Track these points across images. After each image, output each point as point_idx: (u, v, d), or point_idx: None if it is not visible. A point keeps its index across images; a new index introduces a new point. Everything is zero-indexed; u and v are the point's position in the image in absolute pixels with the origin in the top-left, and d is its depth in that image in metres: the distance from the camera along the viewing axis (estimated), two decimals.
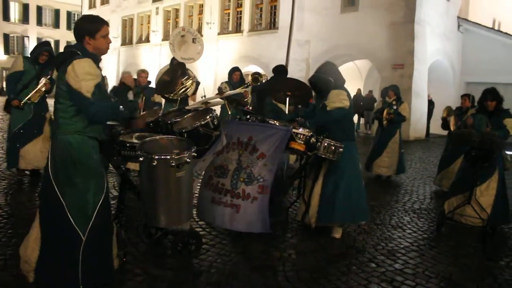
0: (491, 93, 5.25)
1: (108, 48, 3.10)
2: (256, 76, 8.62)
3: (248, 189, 3.93)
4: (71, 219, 2.89)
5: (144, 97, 6.28)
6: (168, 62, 8.00)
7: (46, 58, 5.99)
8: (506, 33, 17.72)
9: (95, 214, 2.96)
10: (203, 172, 4.27)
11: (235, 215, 3.93)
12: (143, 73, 7.13)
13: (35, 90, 5.86)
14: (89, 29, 2.96)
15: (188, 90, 6.69)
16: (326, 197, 4.44)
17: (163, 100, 7.12)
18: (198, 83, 7.44)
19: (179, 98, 5.98)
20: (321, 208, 4.46)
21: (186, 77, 6.64)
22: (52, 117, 3.77)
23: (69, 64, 2.85)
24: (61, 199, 2.89)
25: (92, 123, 2.99)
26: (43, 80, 5.84)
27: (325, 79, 4.47)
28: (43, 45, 6.38)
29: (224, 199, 4.01)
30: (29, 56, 6.11)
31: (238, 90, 5.76)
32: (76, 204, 2.92)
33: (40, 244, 2.96)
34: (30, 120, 6.04)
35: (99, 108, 2.91)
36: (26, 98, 5.84)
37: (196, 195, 4.48)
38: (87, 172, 2.97)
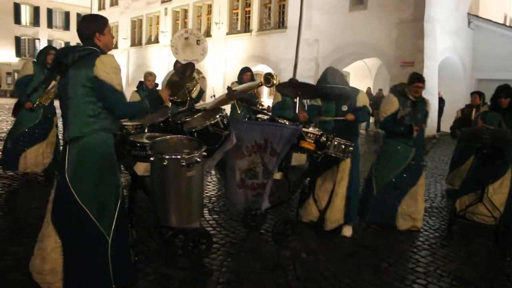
0: (505, 90, 5.18)
1: (113, 44, 3.12)
2: (268, 77, 8.59)
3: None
4: (96, 222, 2.85)
5: None
6: None
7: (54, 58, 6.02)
8: None
9: (116, 212, 2.96)
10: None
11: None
12: (150, 76, 7.15)
13: (46, 93, 5.92)
14: (98, 25, 2.97)
15: (191, 93, 6.68)
16: (354, 196, 4.64)
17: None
18: (202, 92, 7.40)
19: (188, 99, 5.98)
20: (350, 207, 4.57)
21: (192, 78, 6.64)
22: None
23: (92, 59, 2.82)
24: (82, 204, 2.83)
25: (119, 117, 3.03)
26: (53, 83, 5.88)
27: (342, 89, 4.56)
28: (47, 47, 6.42)
29: (259, 190, 4.28)
30: (36, 60, 6.15)
31: (250, 84, 5.68)
32: (99, 206, 2.88)
33: (63, 252, 2.87)
34: (38, 123, 6.07)
35: (129, 103, 3.02)
36: (38, 101, 5.90)
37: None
38: (111, 171, 2.98)
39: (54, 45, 33.66)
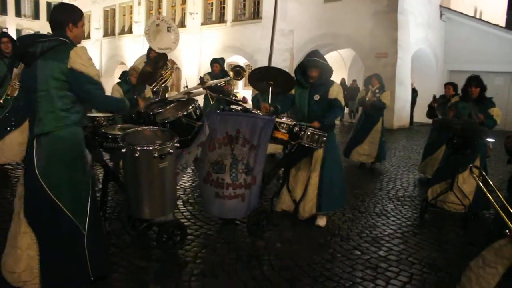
0: (475, 80, 5.30)
1: (83, 37, 3.06)
2: (237, 69, 8.58)
3: (248, 179, 4.15)
4: (70, 216, 2.82)
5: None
6: None
7: (10, 45, 5.85)
8: (487, 22, 17.90)
9: (89, 205, 2.92)
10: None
11: (241, 204, 4.17)
12: (134, 72, 7.02)
13: (10, 85, 5.73)
14: (73, 17, 2.89)
15: (167, 81, 6.63)
16: (326, 186, 4.58)
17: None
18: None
19: (161, 90, 5.93)
20: (322, 197, 4.57)
21: (165, 68, 6.58)
22: None
23: (64, 51, 2.74)
24: (55, 198, 2.78)
25: (97, 108, 3.01)
26: (15, 71, 5.69)
27: (328, 67, 4.61)
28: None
29: (227, 192, 4.13)
30: None
31: (219, 81, 5.69)
32: (73, 200, 2.85)
33: (38, 249, 2.82)
34: (8, 112, 5.91)
35: (107, 95, 2.99)
36: (5, 95, 5.72)
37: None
38: (82, 163, 2.93)
39: (23, 34, 32.66)
